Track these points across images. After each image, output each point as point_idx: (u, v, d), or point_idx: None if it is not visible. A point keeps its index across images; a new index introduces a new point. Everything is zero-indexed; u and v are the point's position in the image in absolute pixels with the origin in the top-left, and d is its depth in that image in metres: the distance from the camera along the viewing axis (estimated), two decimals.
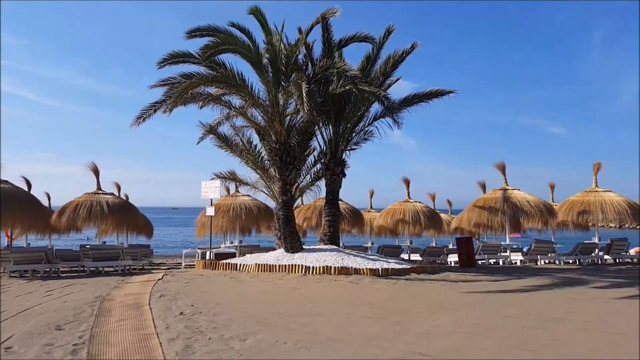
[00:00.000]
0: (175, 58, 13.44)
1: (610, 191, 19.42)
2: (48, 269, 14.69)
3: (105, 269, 15.66)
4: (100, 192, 19.04)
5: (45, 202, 20.65)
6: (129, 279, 12.76)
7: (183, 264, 17.69)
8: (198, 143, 16.71)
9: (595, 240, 19.09)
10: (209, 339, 5.76)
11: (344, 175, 16.28)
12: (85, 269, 15.43)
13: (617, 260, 18.45)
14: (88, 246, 17.88)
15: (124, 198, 21.08)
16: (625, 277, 12.64)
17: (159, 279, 11.96)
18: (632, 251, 19.40)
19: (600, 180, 19.85)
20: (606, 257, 18.36)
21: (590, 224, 20.52)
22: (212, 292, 9.88)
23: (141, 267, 16.91)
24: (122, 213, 18.90)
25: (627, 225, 30.63)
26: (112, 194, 19.57)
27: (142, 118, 14.26)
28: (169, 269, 16.19)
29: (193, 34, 13.28)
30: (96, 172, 19.30)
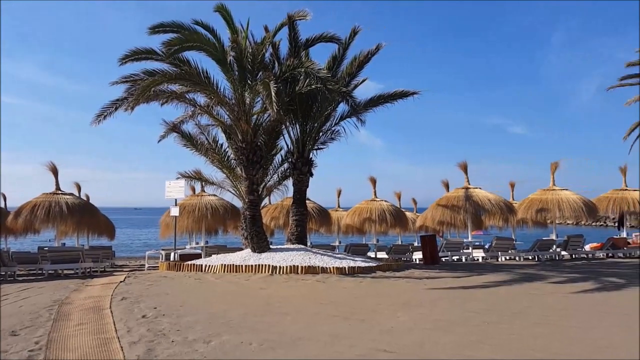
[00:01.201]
0: (138, 54, 13.13)
1: (567, 189, 20.18)
2: (4, 273, 14.11)
3: (65, 271, 15.16)
4: (60, 192, 18.43)
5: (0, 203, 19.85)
6: (89, 281, 12.39)
7: (146, 265, 17.32)
8: (159, 141, 16.38)
9: (553, 236, 19.81)
10: (172, 341, 5.66)
11: (312, 174, 16.30)
12: (44, 271, 14.90)
13: (574, 256, 19.19)
14: (46, 248, 17.27)
15: (85, 198, 20.46)
16: (580, 273, 13.16)
17: (121, 282, 11.66)
18: (587, 247, 20.22)
19: (557, 179, 20.62)
20: (563, 253, 19.07)
21: (548, 221, 21.28)
22: (176, 294, 9.71)
23: (102, 269, 16.46)
24: (83, 214, 18.35)
25: (583, 222, 31.90)
26: (71, 194, 18.97)
27: (103, 116, 13.87)
28: (131, 271, 15.81)
29: (156, 29, 13.00)
30: (55, 171, 18.66)
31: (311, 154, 16.31)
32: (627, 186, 21.25)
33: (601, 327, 6.44)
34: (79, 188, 20.68)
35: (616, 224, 23.31)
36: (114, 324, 6.67)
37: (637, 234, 20.78)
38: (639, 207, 20.39)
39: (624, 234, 20.81)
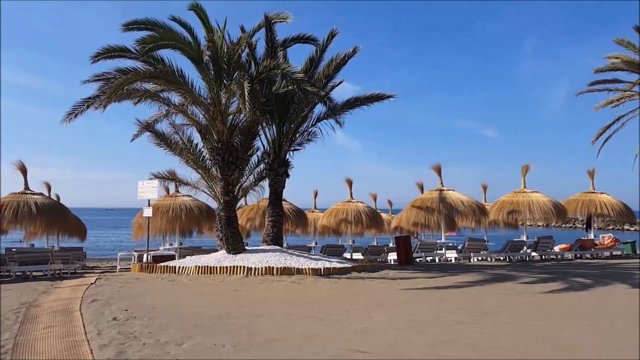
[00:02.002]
0: (111, 52, 12.88)
1: (537, 192, 20.66)
2: None
3: (34, 273, 14.73)
4: (29, 192, 17.90)
5: None
6: (59, 283, 12.08)
7: (118, 267, 16.98)
8: (132, 140, 16.08)
9: (524, 238, 20.24)
10: (144, 344, 5.57)
11: (288, 175, 16.27)
12: (11, 273, 14.43)
13: (543, 257, 19.65)
14: (14, 249, 16.74)
15: (55, 198, 19.95)
16: (550, 273, 13.49)
17: (92, 283, 11.42)
18: (556, 248, 20.74)
19: (528, 181, 21.09)
20: (533, 254, 19.51)
21: (519, 222, 21.75)
22: (148, 296, 9.56)
23: (73, 271, 16.06)
24: (53, 214, 17.87)
25: (552, 224, 32.73)
26: (41, 194, 18.46)
27: (74, 114, 13.56)
28: (103, 272, 15.49)
29: (130, 27, 12.80)
30: (24, 171, 18.12)
31: (287, 155, 16.28)
32: (594, 189, 21.89)
33: (570, 326, 6.63)
34: (49, 188, 20.15)
35: (584, 226, 23.97)
36: (84, 327, 6.53)
37: (604, 235, 21.42)
38: (606, 209, 21.03)
39: (591, 236, 21.42)
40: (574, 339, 5.87)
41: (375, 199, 25.31)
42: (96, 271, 16.63)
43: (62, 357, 5.13)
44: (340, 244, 22.69)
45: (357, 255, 20.40)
